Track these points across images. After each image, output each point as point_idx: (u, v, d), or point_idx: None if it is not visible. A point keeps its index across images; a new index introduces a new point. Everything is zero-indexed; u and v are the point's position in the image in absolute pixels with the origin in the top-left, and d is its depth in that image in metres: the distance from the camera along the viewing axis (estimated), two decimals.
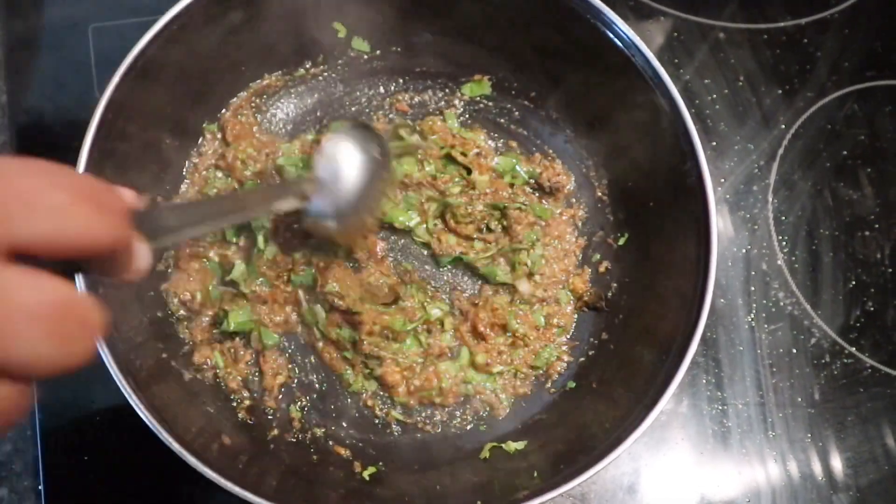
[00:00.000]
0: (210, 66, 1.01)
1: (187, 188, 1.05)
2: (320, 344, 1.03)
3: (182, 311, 1.00)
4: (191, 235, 0.77)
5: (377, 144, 0.94)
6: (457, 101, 1.15)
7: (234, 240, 1.04)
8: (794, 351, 1.14)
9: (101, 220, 0.47)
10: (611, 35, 0.98)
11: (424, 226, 1.07)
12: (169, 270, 1.01)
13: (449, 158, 1.08)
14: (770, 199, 1.22)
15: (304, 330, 1.04)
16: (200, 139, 1.07)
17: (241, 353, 1.01)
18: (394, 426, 1.02)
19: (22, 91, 1.15)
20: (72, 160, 0.84)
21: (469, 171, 1.08)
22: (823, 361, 1.14)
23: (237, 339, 1.01)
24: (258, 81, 1.10)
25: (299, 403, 1.01)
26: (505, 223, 1.07)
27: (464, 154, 1.08)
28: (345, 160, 0.90)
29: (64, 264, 0.47)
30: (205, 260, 1.03)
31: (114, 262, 0.54)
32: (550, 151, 1.13)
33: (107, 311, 0.49)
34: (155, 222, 0.64)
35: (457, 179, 1.08)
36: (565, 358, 1.06)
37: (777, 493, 1.08)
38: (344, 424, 1.01)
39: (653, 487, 1.06)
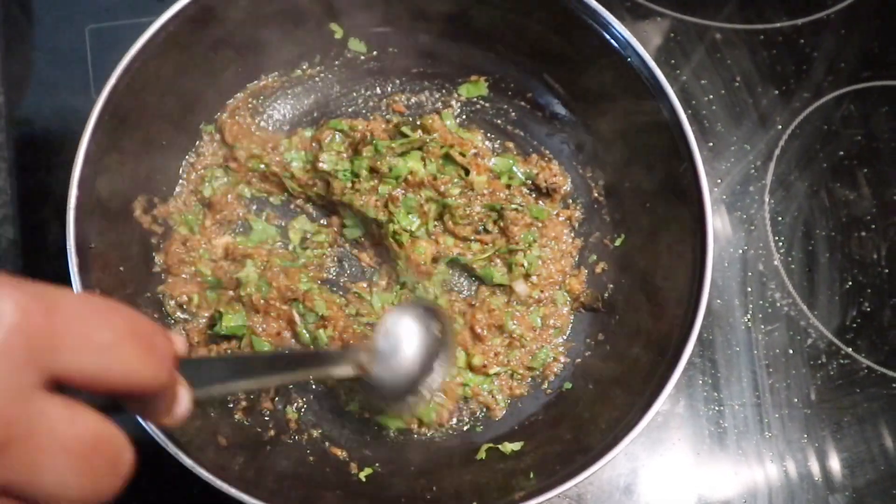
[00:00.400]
0: (207, 66, 1.01)
1: (182, 189, 1.05)
2: None
3: (178, 314, 1.00)
4: (236, 390, 0.75)
5: (439, 322, 0.92)
6: (453, 102, 1.15)
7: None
8: (791, 351, 1.14)
9: (147, 363, 0.47)
10: (607, 36, 0.98)
11: (425, 228, 1.07)
12: (163, 275, 1.01)
13: (447, 158, 1.08)
14: (767, 200, 1.22)
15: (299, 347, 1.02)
16: (198, 141, 1.07)
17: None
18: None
19: (19, 92, 1.15)
20: (68, 161, 0.84)
21: (467, 172, 1.08)
22: (820, 362, 1.14)
23: (233, 340, 1.01)
24: (255, 82, 1.10)
25: (296, 405, 1.01)
26: (501, 224, 1.07)
27: (462, 154, 1.08)
28: (405, 335, 0.88)
29: (105, 400, 0.47)
30: (196, 267, 1.03)
31: (155, 405, 0.53)
32: (547, 152, 1.13)
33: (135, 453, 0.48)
34: (201, 372, 0.64)
35: (456, 180, 1.07)
36: (562, 359, 1.06)
37: (774, 494, 1.08)
38: (341, 426, 1.01)
39: (650, 488, 1.06)
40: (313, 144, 1.09)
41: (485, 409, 1.03)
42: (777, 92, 1.28)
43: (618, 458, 0.84)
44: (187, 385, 0.58)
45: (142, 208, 0.99)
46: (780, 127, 1.26)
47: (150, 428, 0.79)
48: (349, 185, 1.05)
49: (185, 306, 1.00)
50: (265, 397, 1.00)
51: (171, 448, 0.79)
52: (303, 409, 1.01)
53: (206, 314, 1.01)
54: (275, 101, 1.13)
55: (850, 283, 1.19)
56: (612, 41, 0.97)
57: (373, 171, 1.05)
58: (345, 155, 1.07)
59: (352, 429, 1.01)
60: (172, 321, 1.00)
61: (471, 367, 1.04)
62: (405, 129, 1.08)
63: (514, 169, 1.10)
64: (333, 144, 1.08)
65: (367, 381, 0.86)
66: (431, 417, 1.00)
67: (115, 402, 0.49)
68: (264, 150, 1.07)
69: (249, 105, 1.10)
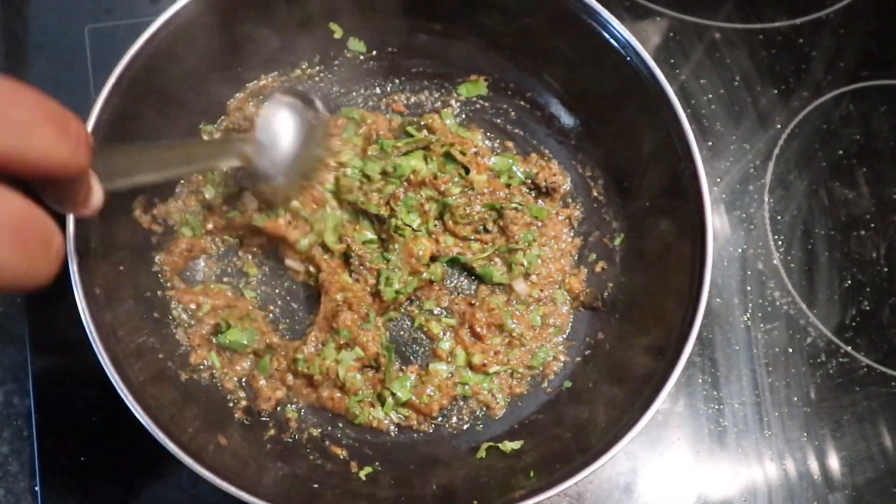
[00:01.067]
0: (206, 66, 1.01)
1: (182, 189, 1.05)
2: (325, 392, 1.01)
3: (183, 316, 1.00)
4: (139, 183, 0.78)
5: (314, 110, 0.99)
6: (453, 102, 1.15)
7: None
8: (790, 350, 1.14)
9: (64, 143, 0.49)
10: (607, 36, 0.98)
11: (425, 227, 1.07)
12: (161, 275, 1.01)
13: (448, 157, 1.08)
14: (766, 199, 1.22)
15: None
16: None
17: (238, 355, 1.01)
18: (390, 426, 1.02)
19: None
20: None
21: (467, 171, 1.08)
22: (819, 360, 1.14)
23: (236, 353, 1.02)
24: (254, 82, 1.10)
25: (296, 404, 1.01)
26: (501, 223, 1.08)
27: (462, 153, 1.08)
28: (282, 124, 0.95)
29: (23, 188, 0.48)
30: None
31: (71, 193, 0.55)
32: (546, 152, 1.14)
33: (61, 234, 0.50)
34: (107, 162, 0.67)
35: (456, 179, 1.08)
36: (561, 358, 1.06)
37: (773, 492, 1.08)
38: (340, 425, 1.01)
39: (649, 487, 1.06)
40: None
41: (485, 408, 1.03)
42: (776, 91, 1.28)
43: (617, 456, 0.85)
44: (101, 186, 0.61)
45: (141, 208, 0.99)
46: (779, 126, 1.26)
47: (150, 428, 0.79)
48: (357, 183, 1.05)
49: (193, 312, 1.00)
50: (265, 402, 0.99)
51: (172, 447, 0.79)
52: (302, 409, 1.01)
53: (212, 321, 1.01)
54: None
55: (850, 281, 1.19)
56: (612, 41, 0.98)
57: (381, 172, 1.05)
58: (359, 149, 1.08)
59: (352, 428, 1.01)
60: (176, 323, 1.00)
61: (471, 366, 1.04)
62: (410, 129, 1.08)
63: (514, 168, 1.10)
64: (352, 137, 1.08)
65: (252, 171, 0.93)
66: (423, 401, 1.01)
67: (33, 190, 0.50)
68: None
69: (249, 105, 1.10)
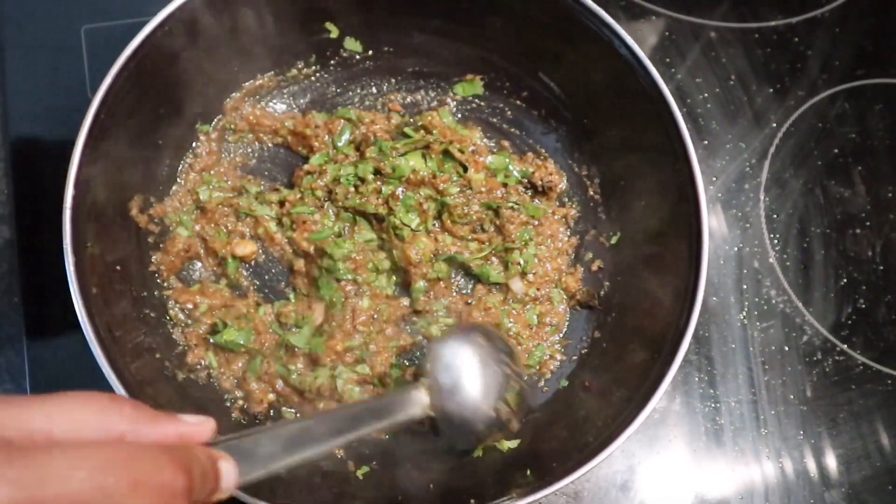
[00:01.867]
0: (202, 66, 1.01)
1: (178, 188, 1.05)
2: (321, 405, 1.00)
3: (181, 316, 1.00)
4: (297, 463, 0.67)
5: (489, 339, 0.91)
6: (449, 101, 1.15)
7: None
8: (786, 348, 1.14)
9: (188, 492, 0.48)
10: (602, 35, 0.98)
11: (424, 226, 1.07)
12: (158, 274, 1.01)
13: (446, 154, 1.08)
14: (762, 198, 1.22)
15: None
16: (195, 142, 1.07)
17: (235, 354, 1.01)
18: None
19: (14, 92, 1.15)
20: (65, 160, 0.84)
21: (465, 169, 1.08)
22: (815, 359, 1.15)
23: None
24: (251, 82, 1.10)
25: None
26: (498, 222, 1.08)
27: (461, 150, 1.08)
28: (457, 358, 0.86)
29: None
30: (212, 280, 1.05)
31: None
32: (543, 151, 1.14)
33: None
34: (249, 453, 0.61)
35: (455, 178, 1.08)
36: (558, 356, 1.06)
37: (770, 491, 1.08)
38: None
39: (646, 485, 1.06)
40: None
41: None
42: (772, 90, 1.29)
43: (614, 455, 0.85)
44: (233, 461, 0.56)
45: (138, 207, 0.99)
46: (774, 125, 1.27)
47: None
48: (352, 188, 1.05)
49: (189, 312, 1.00)
50: (259, 401, 0.99)
51: None
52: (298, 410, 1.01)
53: (209, 321, 1.01)
54: (271, 100, 1.13)
55: (845, 279, 1.20)
56: (608, 40, 0.98)
57: (376, 171, 1.05)
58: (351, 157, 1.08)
59: None
60: (173, 323, 1.00)
61: None
62: (408, 131, 1.08)
63: (510, 167, 1.10)
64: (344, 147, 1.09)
65: (439, 419, 0.84)
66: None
67: None
68: (282, 125, 1.10)
69: (246, 104, 1.10)
